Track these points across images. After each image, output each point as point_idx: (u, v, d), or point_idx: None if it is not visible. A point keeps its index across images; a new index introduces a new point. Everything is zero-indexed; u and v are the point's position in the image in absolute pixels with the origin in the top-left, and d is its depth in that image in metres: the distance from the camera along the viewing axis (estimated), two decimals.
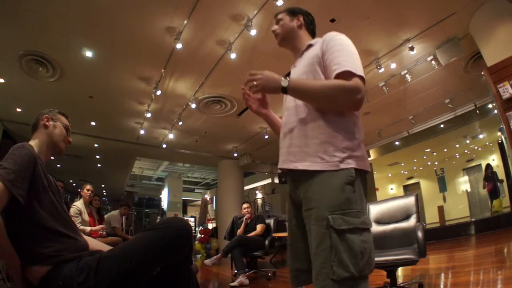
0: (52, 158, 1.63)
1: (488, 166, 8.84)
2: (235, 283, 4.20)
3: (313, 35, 1.59)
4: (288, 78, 1.26)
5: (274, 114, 1.63)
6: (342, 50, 1.27)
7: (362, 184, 1.25)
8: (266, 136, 8.42)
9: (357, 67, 1.20)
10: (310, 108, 1.30)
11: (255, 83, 1.31)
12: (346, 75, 1.18)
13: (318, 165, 1.21)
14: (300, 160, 1.26)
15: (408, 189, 13.10)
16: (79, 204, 4.30)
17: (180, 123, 7.29)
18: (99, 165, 12.13)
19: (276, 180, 12.29)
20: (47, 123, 1.54)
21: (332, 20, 4.39)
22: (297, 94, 1.28)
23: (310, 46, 1.46)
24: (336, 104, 1.23)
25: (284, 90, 1.25)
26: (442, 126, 8.34)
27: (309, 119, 1.29)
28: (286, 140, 1.36)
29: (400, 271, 3.98)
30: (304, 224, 1.26)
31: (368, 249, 1.12)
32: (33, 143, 1.48)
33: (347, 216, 1.12)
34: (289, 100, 1.42)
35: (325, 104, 1.26)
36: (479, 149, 10.34)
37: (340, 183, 1.16)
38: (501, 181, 8.31)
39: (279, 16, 1.55)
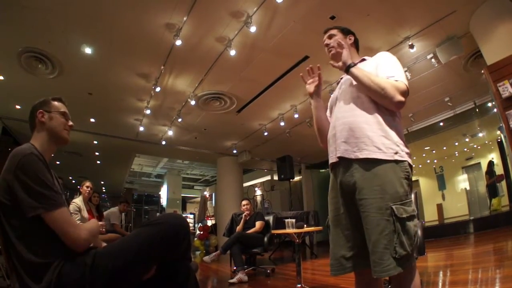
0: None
1: (491, 163, 8.85)
2: (234, 280, 4.22)
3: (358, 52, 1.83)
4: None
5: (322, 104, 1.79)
6: (393, 65, 1.52)
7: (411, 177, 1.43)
8: (266, 133, 8.42)
9: (404, 79, 1.45)
10: (366, 105, 1.48)
11: (336, 48, 1.62)
12: (394, 78, 1.44)
13: (377, 154, 1.38)
14: (359, 150, 1.41)
15: None
16: (78, 201, 4.30)
17: (180, 119, 7.29)
18: (98, 162, 12.12)
19: (275, 177, 12.30)
20: (42, 119, 1.50)
21: (332, 17, 4.37)
22: (358, 74, 1.48)
23: (363, 59, 1.71)
24: (383, 97, 1.42)
25: (349, 66, 1.50)
26: (441, 124, 8.35)
27: (366, 115, 1.46)
28: (344, 131, 1.50)
29: None
30: (355, 211, 1.42)
31: (417, 231, 1.34)
32: (35, 142, 1.45)
33: (405, 206, 1.32)
34: (345, 98, 1.59)
35: (375, 93, 1.44)
36: (479, 147, 10.34)
37: (399, 177, 1.36)
38: (501, 177, 8.29)
39: (333, 32, 1.79)
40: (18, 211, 1.23)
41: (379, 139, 1.40)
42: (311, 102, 1.77)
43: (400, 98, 1.39)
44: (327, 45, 1.77)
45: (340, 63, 1.57)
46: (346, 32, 1.79)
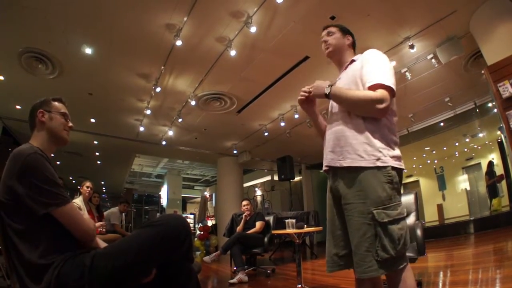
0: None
1: (491, 163, 8.84)
2: (234, 280, 4.22)
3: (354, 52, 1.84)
4: (331, 87, 1.55)
5: (318, 113, 1.86)
6: (375, 65, 1.52)
7: (399, 180, 1.46)
8: (266, 133, 8.42)
9: (385, 79, 1.46)
10: (351, 114, 1.53)
11: (308, 92, 1.65)
12: (376, 87, 1.45)
13: (358, 162, 1.43)
14: (344, 159, 1.48)
15: (408, 187, 13.10)
16: (78, 201, 4.30)
17: (180, 120, 7.29)
18: (98, 162, 12.12)
19: (276, 177, 12.30)
20: (42, 119, 1.50)
21: (332, 17, 4.37)
22: (336, 100, 1.56)
23: (353, 61, 1.70)
24: (365, 111, 1.48)
25: (327, 96, 1.55)
26: (441, 124, 8.34)
27: (351, 123, 1.52)
28: (331, 141, 1.59)
29: None
30: (342, 213, 1.50)
31: (403, 234, 1.35)
32: (35, 142, 1.45)
33: (388, 210, 1.36)
34: (334, 106, 1.67)
35: (357, 110, 1.51)
36: (479, 147, 10.34)
37: (381, 182, 1.39)
38: (501, 177, 8.28)
39: (331, 29, 1.79)
40: (20, 211, 1.24)
41: (361, 147, 1.45)
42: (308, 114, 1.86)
43: (378, 107, 1.42)
44: (325, 41, 1.78)
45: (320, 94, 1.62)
46: (345, 31, 1.80)
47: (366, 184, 1.40)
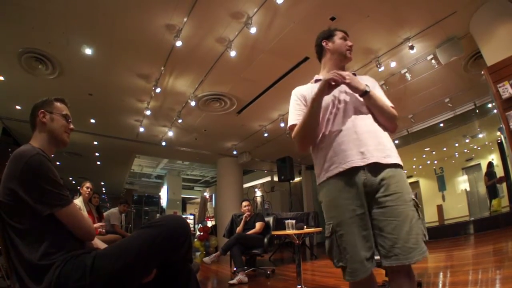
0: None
1: (491, 164, 8.84)
2: (234, 281, 4.22)
3: None
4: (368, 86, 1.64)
5: None
6: (384, 95, 1.75)
7: None
8: (266, 134, 8.41)
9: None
10: (374, 119, 1.66)
11: (343, 78, 1.59)
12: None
13: (398, 160, 1.58)
14: (389, 156, 1.56)
15: None
16: (78, 201, 4.30)
17: (180, 120, 7.29)
18: (98, 163, 12.12)
19: (276, 178, 12.29)
20: (43, 119, 1.49)
21: (332, 18, 4.38)
22: (372, 101, 1.63)
23: (354, 74, 1.73)
24: (388, 121, 1.66)
25: (366, 93, 1.61)
26: (441, 125, 8.35)
27: (380, 127, 1.65)
28: (372, 140, 1.58)
29: None
30: (372, 211, 1.51)
31: None
32: (35, 143, 1.45)
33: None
34: (350, 108, 1.67)
35: (382, 116, 1.65)
36: (479, 148, 10.34)
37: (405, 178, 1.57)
38: (501, 178, 8.27)
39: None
40: (20, 212, 1.23)
41: (394, 149, 1.63)
42: (318, 97, 1.61)
43: (394, 125, 1.69)
44: (351, 46, 1.82)
45: (357, 88, 1.63)
46: None
47: (402, 179, 1.53)
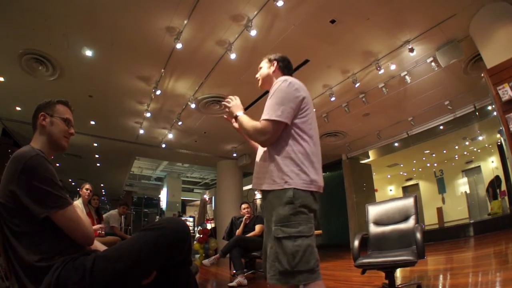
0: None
1: (498, 178, 8.83)
2: (233, 283, 4.20)
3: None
4: (243, 112, 1.77)
5: None
6: (271, 99, 1.66)
7: (306, 200, 1.56)
8: None
9: (272, 112, 1.59)
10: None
11: (228, 105, 1.80)
12: (261, 121, 1.62)
13: (268, 186, 1.60)
14: (261, 184, 1.65)
15: (407, 191, 13.11)
16: (78, 203, 4.29)
17: (180, 123, 7.29)
18: (98, 165, 12.11)
19: None
20: (43, 122, 1.47)
21: (332, 21, 4.38)
22: (239, 125, 1.74)
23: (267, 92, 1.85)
24: (253, 139, 1.69)
25: (236, 118, 1.76)
26: (441, 127, 8.35)
27: (264, 152, 1.70)
28: (255, 165, 1.78)
29: (398, 273, 3.98)
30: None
31: (300, 251, 1.46)
32: (36, 145, 1.44)
33: (286, 228, 1.48)
34: None
35: (249, 138, 1.73)
36: (478, 151, 10.36)
37: (282, 202, 1.52)
38: (503, 193, 8.29)
39: (260, 65, 2.03)
40: (20, 214, 1.23)
41: (268, 174, 1.63)
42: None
43: (261, 139, 1.62)
44: (257, 78, 2.02)
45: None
46: (270, 60, 1.99)
47: (272, 204, 1.60)
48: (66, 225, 1.28)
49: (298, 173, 1.56)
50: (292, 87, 1.66)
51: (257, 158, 1.76)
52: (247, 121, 1.69)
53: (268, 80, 1.94)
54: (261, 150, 1.74)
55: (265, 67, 1.97)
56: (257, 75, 1.99)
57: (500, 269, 3.44)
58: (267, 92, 1.83)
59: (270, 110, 1.60)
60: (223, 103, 1.80)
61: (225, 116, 1.93)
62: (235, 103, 1.81)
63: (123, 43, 4.73)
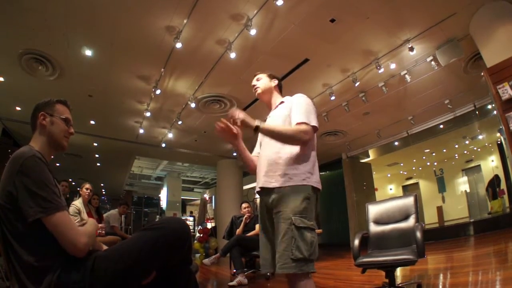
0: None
1: (497, 177, 8.83)
2: (233, 283, 4.21)
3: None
4: (260, 122, 1.78)
5: (245, 147, 2.15)
6: (301, 108, 1.80)
7: (314, 198, 1.74)
8: None
9: (311, 119, 1.76)
10: (277, 144, 1.79)
11: (240, 116, 1.81)
12: (301, 123, 1.74)
13: (284, 182, 1.70)
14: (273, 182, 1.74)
15: (407, 190, 13.12)
16: (78, 203, 4.29)
17: (180, 122, 7.29)
18: (98, 164, 12.11)
19: None
20: (43, 122, 1.46)
21: (332, 20, 4.38)
22: (265, 132, 1.78)
23: (282, 102, 2.02)
24: (292, 140, 1.74)
25: (256, 129, 1.76)
26: (441, 126, 8.35)
27: (274, 153, 1.80)
28: (264, 166, 1.84)
29: (398, 271, 3.98)
30: (273, 222, 1.74)
31: (314, 242, 1.62)
32: (35, 145, 1.43)
33: (305, 219, 1.61)
34: (264, 138, 1.95)
35: (284, 140, 1.76)
36: (478, 150, 10.35)
37: (301, 196, 1.65)
38: (502, 192, 8.30)
39: (260, 75, 2.13)
40: (19, 214, 1.23)
41: (286, 170, 1.76)
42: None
43: (305, 138, 1.71)
44: (253, 85, 2.12)
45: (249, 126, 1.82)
46: (271, 76, 2.11)
47: (289, 197, 1.68)
48: (53, 231, 1.22)
49: (312, 172, 1.75)
50: (311, 103, 1.88)
51: (264, 159, 1.86)
52: (281, 126, 1.82)
53: (269, 91, 2.10)
54: (268, 152, 1.86)
55: (266, 80, 2.09)
56: (256, 84, 2.10)
57: (500, 268, 3.44)
58: None
59: (305, 117, 1.76)
60: (230, 118, 1.87)
61: (234, 131, 2.04)
62: (244, 115, 1.84)
63: (123, 43, 4.72)
